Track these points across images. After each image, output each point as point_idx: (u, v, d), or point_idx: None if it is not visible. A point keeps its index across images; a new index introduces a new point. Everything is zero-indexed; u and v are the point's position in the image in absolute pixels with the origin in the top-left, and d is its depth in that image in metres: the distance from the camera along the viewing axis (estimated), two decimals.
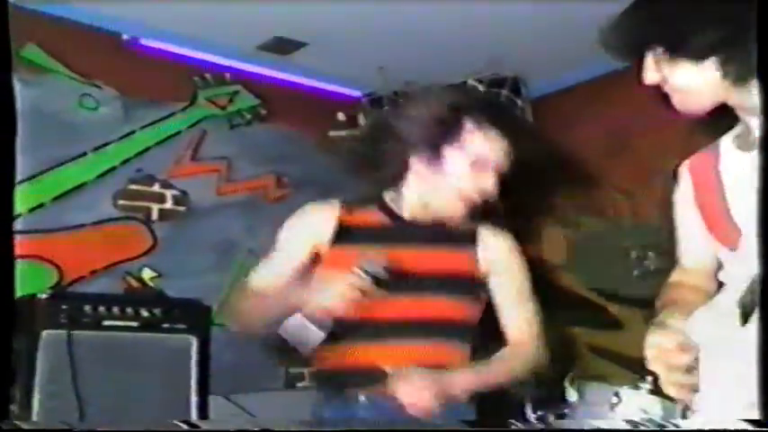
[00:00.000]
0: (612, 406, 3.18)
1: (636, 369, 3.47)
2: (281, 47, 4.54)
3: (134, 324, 3.26)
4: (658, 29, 1.64)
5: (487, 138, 2.30)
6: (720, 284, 1.76)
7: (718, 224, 1.70)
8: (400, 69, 4.60)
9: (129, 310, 3.27)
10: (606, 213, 4.76)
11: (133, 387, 3.07)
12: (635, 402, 3.16)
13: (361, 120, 4.91)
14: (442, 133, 2.28)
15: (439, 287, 2.31)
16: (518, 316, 2.43)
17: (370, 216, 2.40)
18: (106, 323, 3.20)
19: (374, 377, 2.21)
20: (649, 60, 1.67)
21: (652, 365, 1.73)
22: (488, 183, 2.30)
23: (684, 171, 1.94)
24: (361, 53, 4.48)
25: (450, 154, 2.28)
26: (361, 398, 2.26)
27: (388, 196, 2.42)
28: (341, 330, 2.18)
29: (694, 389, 1.62)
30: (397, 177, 2.37)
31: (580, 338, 4.19)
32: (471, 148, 2.28)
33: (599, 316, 3.93)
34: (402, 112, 2.42)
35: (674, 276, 2.00)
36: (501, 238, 2.46)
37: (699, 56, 1.59)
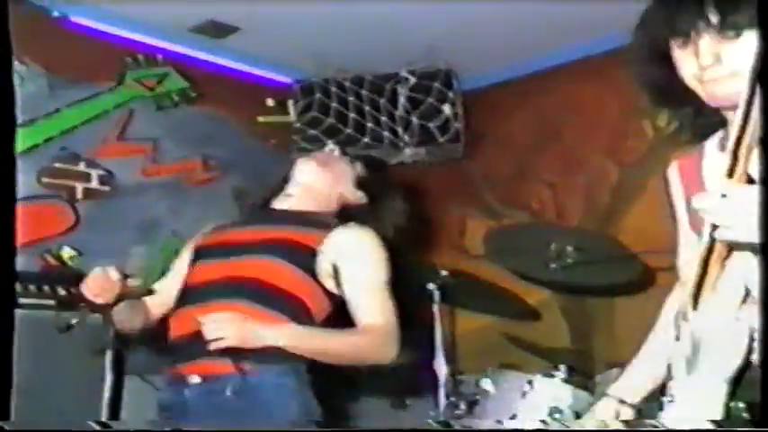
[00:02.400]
0: (524, 394, 3.26)
1: (550, 358, 3.58)
2: (215, 30, 4.53)
3: (50, 302, 3.25)
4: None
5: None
6: None
7: (700, 225, 1.73)
8: (333, 57, 4.64)
9: (45, 288, 3.27)
10: (530, 206, 4.87)
11: (49, 366, 3.06)
12: (547, 390, 3.25)
13: (291, 106, 4.91)
14: None
15: (266, 250, 2.42)
16: (367, 304, 2.46)
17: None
18: (22, 301, 3.19)
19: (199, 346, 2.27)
20: (705, 40, 1.61)
21: None
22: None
23: (674, 172, 1.91)
24: (294, 39, 4.49)
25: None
26: (193, 379, 2.33)
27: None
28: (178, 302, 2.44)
29: None
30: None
31: (497, 328, 4.28)
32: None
33: (517, 306, 4.00)
34: None
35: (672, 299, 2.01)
36: (356, 229, 2.54)
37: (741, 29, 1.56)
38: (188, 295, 2.47)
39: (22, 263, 3.83)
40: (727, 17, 1.56)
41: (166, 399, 2.44)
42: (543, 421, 3.16)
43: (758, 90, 1.35)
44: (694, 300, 1.58)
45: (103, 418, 3.27)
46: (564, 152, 4.71)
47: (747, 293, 1.55)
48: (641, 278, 3.62)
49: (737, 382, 1.53)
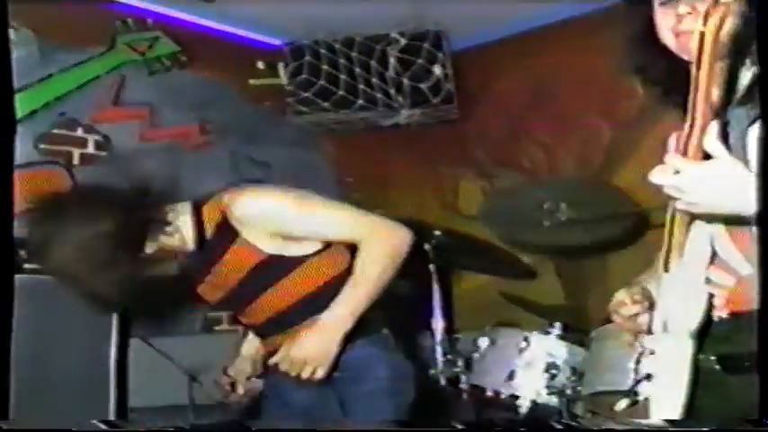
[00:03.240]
0: (521, 350, 3.35)
1: (545, 315, 3.66)
2: None
3: None
4: None
5: None
6: None
7: None
8: (323, 19, 4.62)
9: None
10: (523, 166, 4.92)
11: (54, 329, 3.10)
12: (543, 346, 3.35)
13: (282, 69, 4.93)
14: None
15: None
16: (331, 229, 2.42)
17: None
18: (26, 266, 3.21)
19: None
20: None
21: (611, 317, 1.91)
22: None
23: (672, 142, 1.98)
24: (284, 1, 4.49)
25: None
26: None
27: None
28: None
29: (641, 331, 1.81)
30: None
31: (493, 287, 4.35)
32: None
33: (512, 265, 4.08)
34: None
35: None
36: (240, 202, 2.43)
37: None
38: None
39: (22, 229, 3.87)
40: None
41: (273, 381, 2.56)
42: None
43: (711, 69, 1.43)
44: (665, 263, 1.68)
45: (112, 382, 3.34)
46: (556, 112, 4.75)
47: (714, 255, 1.67)
48: (634, 231, 3.69)
49: (702, 337, 1.66)
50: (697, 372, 1.66)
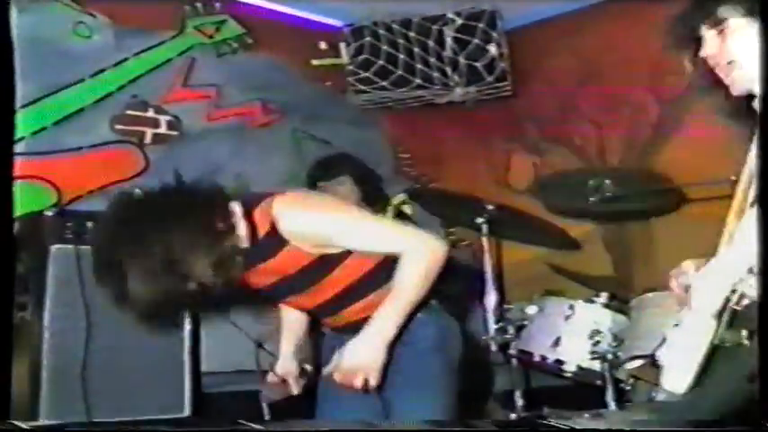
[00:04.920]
0: (567, 318, 3.50)
1: (592, 285, 3.79)
2: None
3: None
4: None
5: None
6: None
7: None
8: (382, 0, 4.79)
9: None
10: (573, 142, 5.04)
11: None
12: (588, 315, 3.48)
13: (343, 49, 5.10)
14: None
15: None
16: (378, 241, 2.54)
17: None
18: None
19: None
20: None
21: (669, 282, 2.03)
22: None
23: None
24: None
25: None
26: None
27: None
28: None
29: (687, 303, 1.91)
30: None
31: (542, 258, 4.49)
32: None
33: (559, 237, 4.19)
34: None
35: None
36: (291, 209, 2.52)
37: None
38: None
39: (100, 204, 4.13)
40: None
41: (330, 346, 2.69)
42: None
43: None
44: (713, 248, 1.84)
45: (186, 346, 3.56)
46: (605, 89, 4.85)
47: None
48: (674, 206, 3.77)
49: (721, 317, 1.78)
50: (714, 350, 1.78)
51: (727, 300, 1.79)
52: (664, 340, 1.87)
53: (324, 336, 2.82)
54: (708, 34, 1.83)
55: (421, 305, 2.52)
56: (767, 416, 1.63)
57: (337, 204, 2.66)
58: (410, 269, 2.46)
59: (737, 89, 1.85)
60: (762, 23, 1.69)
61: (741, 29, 1.78)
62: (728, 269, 1.81)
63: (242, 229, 2.41)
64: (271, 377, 2.88)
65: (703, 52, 1.84)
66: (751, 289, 1.77)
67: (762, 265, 1.66)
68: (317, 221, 2.46)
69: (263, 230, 2.45)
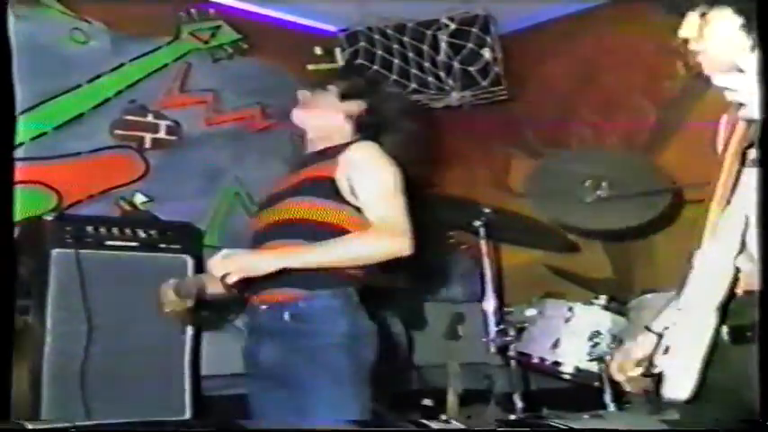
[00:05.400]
0: (567, 320, 3.52)
1: (591, 288, 3.81)
2: None
3: (133, 244, 3.56)
4: None
5: None
6: None
7: None
8: (376, 6, 4.79)
9: (127, 231, 3.57)
10: (571, 145, 5.07)
11: (135, 301, 3.32)
12: (587, 317, 3.51)
13: (338, 54, 5.12)
14: None
15: (299, 192, 2.64)
16: (375, 205, 2.61)
17: None
18: (108, 243, 3.49)
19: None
20: None
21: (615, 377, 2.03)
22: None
23: (721, 125, 2.03)
24: None
25: None
26: (262, 307, 2.63)
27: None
28: None
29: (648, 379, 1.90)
30: None
31: (541, 261, 4.51)
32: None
33: (558, 240, 4.24)
34: None
35: None
36: (363, 146, 2.71)
37: None
38: (250, 241, 2.73)
39: (99, 209, 4.16)
40: None
41: (248, 323, 2.77)
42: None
43: None
44: (698, 240, 1.83)
45: (187, 350, 3.59)
46: (602, 92, 4.88)
47: (743, 246, 1.81)
48: (673, 207, 3.79)
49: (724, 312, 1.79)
50: (715, 346, 1.78)
51: (725, 291, 1.80)
52: (666, 348, 1.85)
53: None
54: (691, 16, 1.85)
55: (335, 286, 2.57)
56: (767, 416, 1.62)
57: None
58: (365, 244, 2.56)
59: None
60: (761, 23, 1.70)
61: (722, 19, 1.78)
62: (716, 262, 1.82)
63: None
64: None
65: (682, 32, 1.85)
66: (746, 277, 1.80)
67: (762, 263, 1.67)
68: (381, 160, 2.66)
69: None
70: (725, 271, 1.82)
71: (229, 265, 2.44)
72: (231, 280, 2.44)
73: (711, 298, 1.81)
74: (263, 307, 2.63)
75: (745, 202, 1.77)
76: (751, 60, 1.68)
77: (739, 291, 1.83)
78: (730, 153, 1.85)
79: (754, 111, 1.69)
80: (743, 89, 1.73)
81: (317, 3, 4.90)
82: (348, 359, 2.53)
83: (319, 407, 2.48)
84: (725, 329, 1.81)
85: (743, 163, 1.83)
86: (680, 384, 1.80)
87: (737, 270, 1.82)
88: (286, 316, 2.56)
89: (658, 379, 1.84)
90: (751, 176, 1.76)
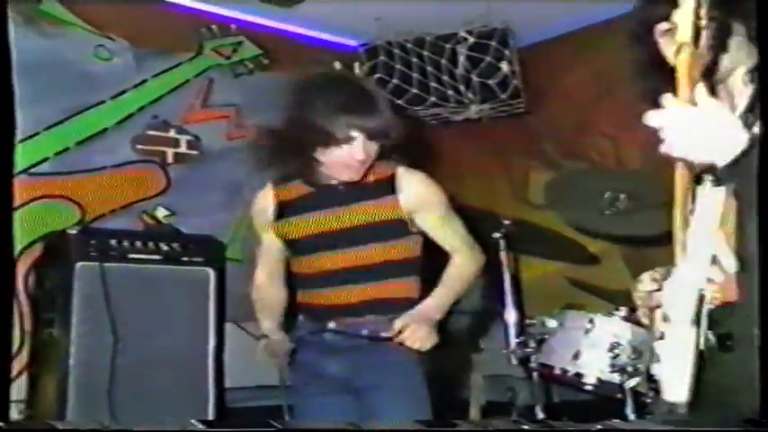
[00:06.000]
0: (587, 331, 3.52)
1: (611, 299, 3.80)
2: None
3: (156, 257, 3.60)
4: None
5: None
6: None
7: None
8: (395, 20, 4.84)
9: (150, 244, 3.62)
10: (591, 157, 5.08)
11: (159, 313, 3.39)
12: (607, 328, 3.49)
13: (357, 68, 5.15)
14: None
15: (369, 237, 2.67)
16: (447, 234, 2.77)
17: (297, 189, 2.78)
18: (131, 256, 3.54)
19: (339, 312, 2.64)
20: None
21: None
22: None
23: None
24: (358, 5, 4.68)
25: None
26: (330, 324, 2.67)
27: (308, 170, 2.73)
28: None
29: (655, 306, 1.98)
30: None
31: (561, 273, 4.50)
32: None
33: (578, 252, 4.23)
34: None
35: None
36: (415, 178, 2.74)
37: None
38: (323, 280, 2.73)
39: (122, 222, 4.21)
40: None
41: (311, 340, 2.75)
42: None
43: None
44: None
45: (210, 365, 3.62)
46: (621, 104, 4.88)
47: (714, 259, 1.81)
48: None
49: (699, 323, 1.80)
50: (701, 355, 1.78)
51: (699, 304, 1.81)
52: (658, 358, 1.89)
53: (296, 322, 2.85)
54: (659, 29, 1.88)
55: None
56: (767, 415, 1.63)
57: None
58: (466, 269, 2.76)
59: None
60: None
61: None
62: (689, 277, 1.82)
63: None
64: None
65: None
66: (715, 291, 1.81)
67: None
68: (435, 189, 2.74)
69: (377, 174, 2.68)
70: (698, 285, 1.83)
71: (422, 339, 2.56)
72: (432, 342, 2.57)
73: (685, 313, 1.83)
74: (332, 325, 2.68)
75: (706, 219, 1.82)
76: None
77: (717, 302, 1.84)
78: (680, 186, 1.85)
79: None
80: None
81: (337, 19, 4.95)
82: (419, 366, 2.64)
83: (388, 408, 2.57)
84: (711, 336, 1.83)
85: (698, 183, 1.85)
86: (676, 389, 1.82)
87: (710, 281, 1.83)
88: (364, 331, 2.62)
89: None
90: (709, 196, 1.81)
